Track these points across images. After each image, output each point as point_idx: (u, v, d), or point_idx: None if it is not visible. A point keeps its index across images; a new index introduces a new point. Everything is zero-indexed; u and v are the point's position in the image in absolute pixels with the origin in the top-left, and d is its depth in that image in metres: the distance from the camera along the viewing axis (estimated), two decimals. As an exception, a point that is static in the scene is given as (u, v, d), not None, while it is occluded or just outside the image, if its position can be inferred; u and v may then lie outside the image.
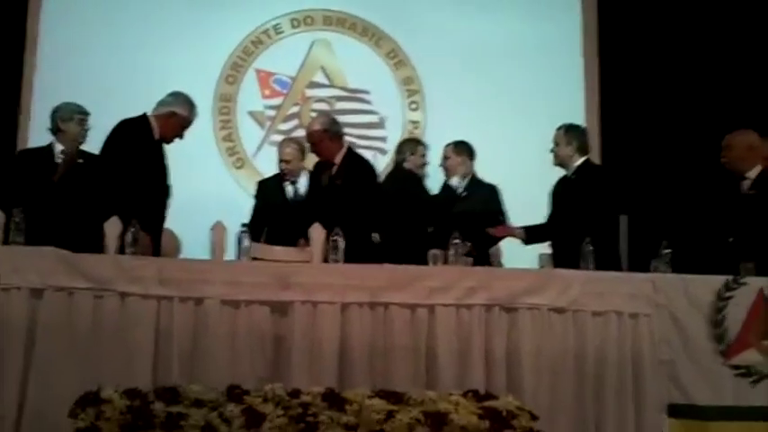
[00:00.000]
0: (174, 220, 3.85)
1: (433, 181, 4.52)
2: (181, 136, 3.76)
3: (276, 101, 5.47)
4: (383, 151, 5.16)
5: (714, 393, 3.11)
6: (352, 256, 3.23)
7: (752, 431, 3.09)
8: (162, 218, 3.72)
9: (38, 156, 3.96)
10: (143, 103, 3.78)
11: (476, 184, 4.41)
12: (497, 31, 5.43)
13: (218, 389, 2.46)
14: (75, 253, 2.99)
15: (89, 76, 5.07)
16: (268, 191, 4.48)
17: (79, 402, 2.33)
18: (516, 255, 4.25)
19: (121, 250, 3.10)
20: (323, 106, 5.40)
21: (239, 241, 3.23)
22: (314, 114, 4.94)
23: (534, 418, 2.43)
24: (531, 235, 3.91)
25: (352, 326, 2.98)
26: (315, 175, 4.21)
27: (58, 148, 3.92)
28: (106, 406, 2.29)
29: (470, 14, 5.45)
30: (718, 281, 3.20)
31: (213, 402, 2.37)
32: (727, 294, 3.18)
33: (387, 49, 5.53)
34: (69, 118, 3.95)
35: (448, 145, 4.47)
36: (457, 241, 3.33)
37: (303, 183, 4.40)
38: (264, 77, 5.47)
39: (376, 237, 3.94)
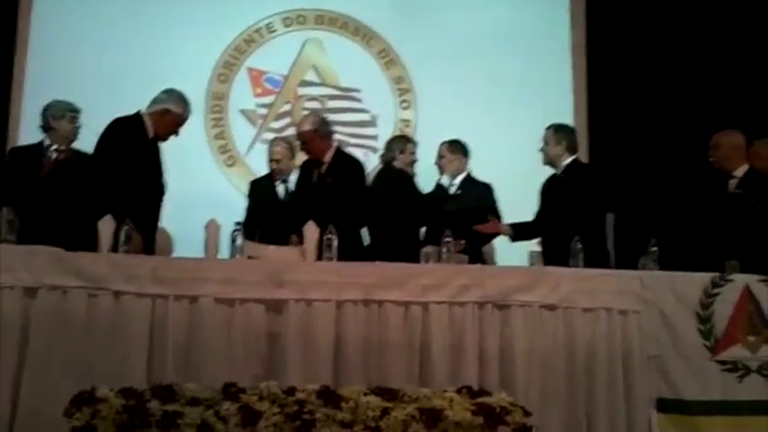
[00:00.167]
0: (165, 217, 3.83)
1: (427, 179, 4.54)
2: (176, 133, 3.72)
3: (268, 99, 5.46)
4: (374, 149, 5.15)
5: (702, 388, 3.16)
6: (343, 254, 3.24)
7: (739, 425, 3.13)
8: (156, 216, 3.70)
9: (29, 153, 3.94)
10: (135, 102, 3.76)
11: (470, 182, 4.43)
12: (487, 29, 5.44)
13: (213, 387, 2.47)
14: (69, 251, 2.97)
15: (80, 74, 5.04)
16: (260, 190, 4.48)
17: (74, 401, 2.33)
18: (507, 252, 4.29)
19: (114, 249, 3.10)
20: (315, 105, 5.39)
21: (233, 240, 3.24)
22: (305, 113, 4.94)
23: (527, 413, 2.46)
24: (518, 232, 3.95)
25: (346, 323, 2.99)
26: (303, 173, 4.22)
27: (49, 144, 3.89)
28: (102, 405, 2.29)
29: (462, 11, 5.46)
30: (704, 278, 3.24)
31: (209, 401, 2.38)
32: (714, 291, 3.22)
33: (378, 48, 5.54)
34: (61, 115, 3.94)
35: (443, 143, 4.48)
36: (449, 239, 3.36)
37: (294, 181, 4.40)
38: (256, 76, 5.46)
39: (365, 236, 3.96)
